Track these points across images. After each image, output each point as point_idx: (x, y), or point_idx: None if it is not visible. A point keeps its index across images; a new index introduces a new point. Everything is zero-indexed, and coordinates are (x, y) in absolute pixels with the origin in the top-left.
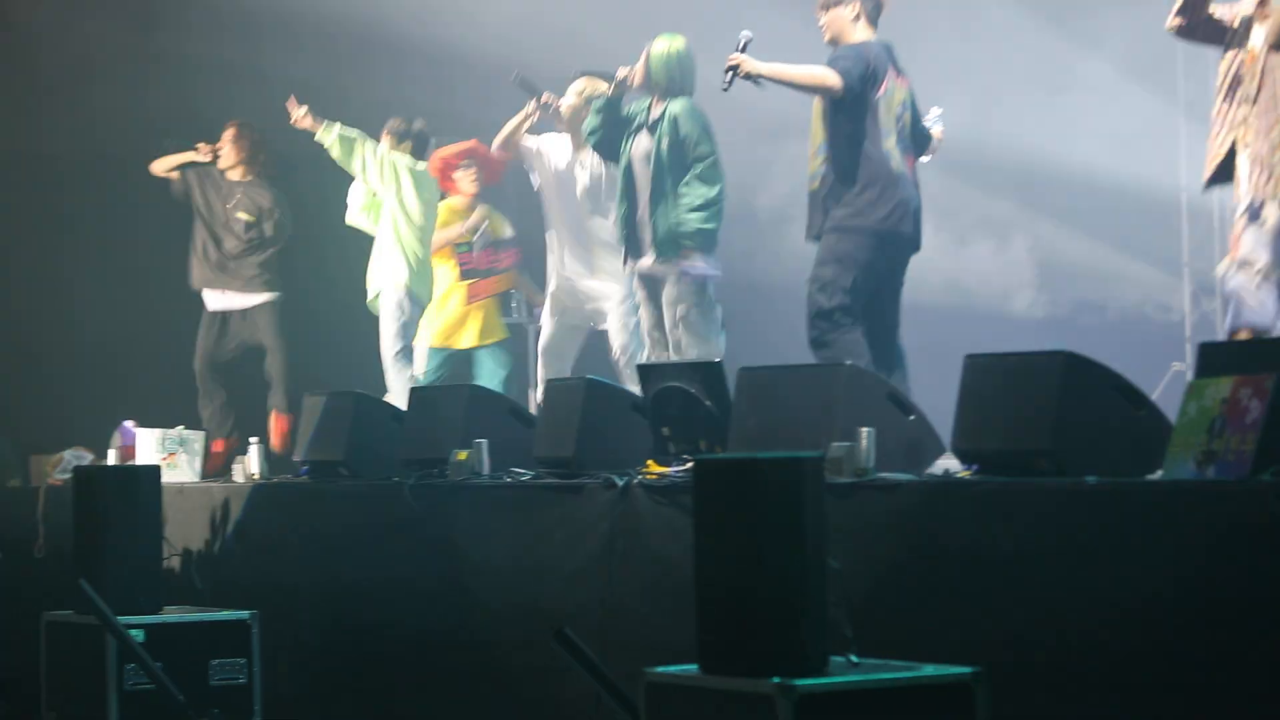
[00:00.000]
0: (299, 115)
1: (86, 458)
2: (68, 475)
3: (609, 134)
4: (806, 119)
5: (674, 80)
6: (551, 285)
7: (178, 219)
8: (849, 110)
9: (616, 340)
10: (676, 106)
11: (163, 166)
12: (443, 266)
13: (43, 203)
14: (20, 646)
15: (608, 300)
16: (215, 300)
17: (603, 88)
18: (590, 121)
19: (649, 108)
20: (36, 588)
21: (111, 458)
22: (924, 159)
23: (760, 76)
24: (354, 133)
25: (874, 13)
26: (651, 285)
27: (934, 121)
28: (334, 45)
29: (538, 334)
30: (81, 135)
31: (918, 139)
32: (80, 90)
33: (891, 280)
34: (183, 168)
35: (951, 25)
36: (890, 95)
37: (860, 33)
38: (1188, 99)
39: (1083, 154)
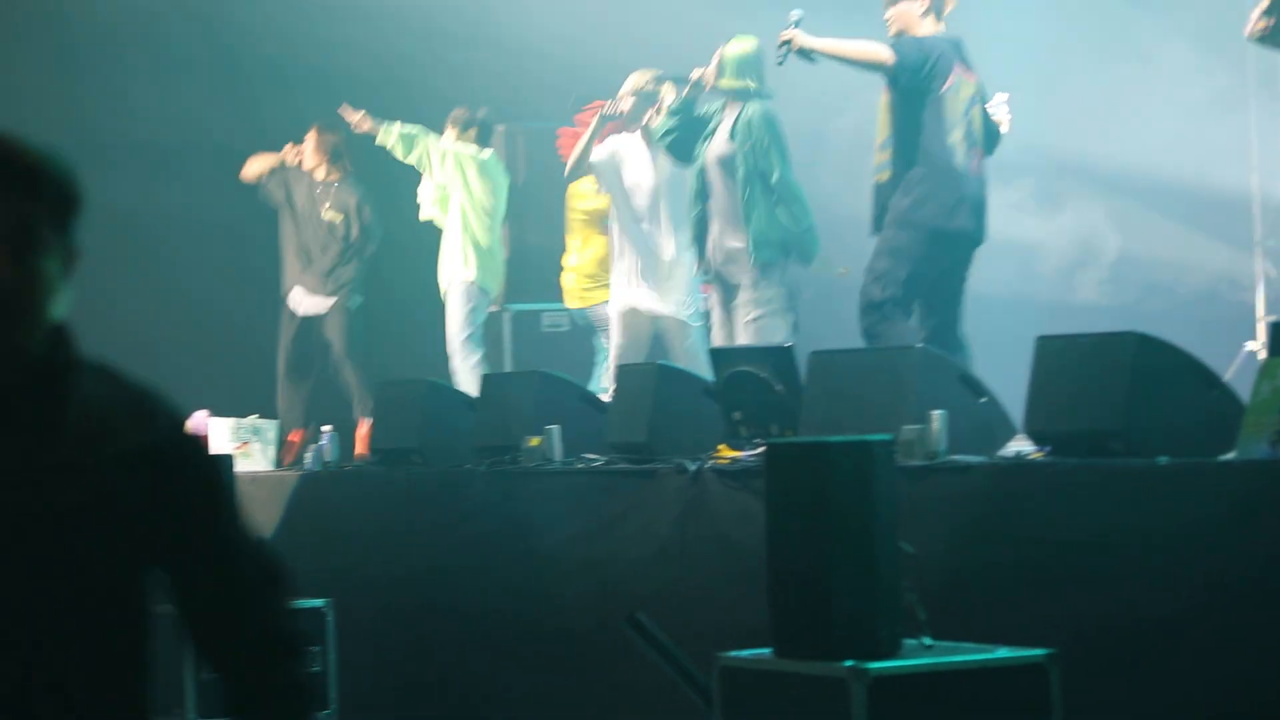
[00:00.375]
0: (356, 120)
1: None
2: None
3: (683, 135)
4: (856, 94)
5: (749, 83)
6: (617, 302)
7: (252, 210)
8: (911, 103)
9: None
10: (753, 110)
11: (253, 171)
12: (589, 245)
13: (115, 193)
14: None
15: (671, 319)
16: (297, 301)
17: (650, 77)
18: (664, 123)
19: (723, 109)
20: None
21: None
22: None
23: (813, 51)
24: (414, 129)
25: (940, 8)
26: (725, 287)
27: (999, 107)
28: (393, 40)
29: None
30: (160, 125)
31: (988, 135)
32: (132, 80)
33: (952, 276)
34: (273, 171)
35: (1016, 3)
36: (956, 90)
37: (926, 28)
38: (1259, 75)
39: (1151, 133)
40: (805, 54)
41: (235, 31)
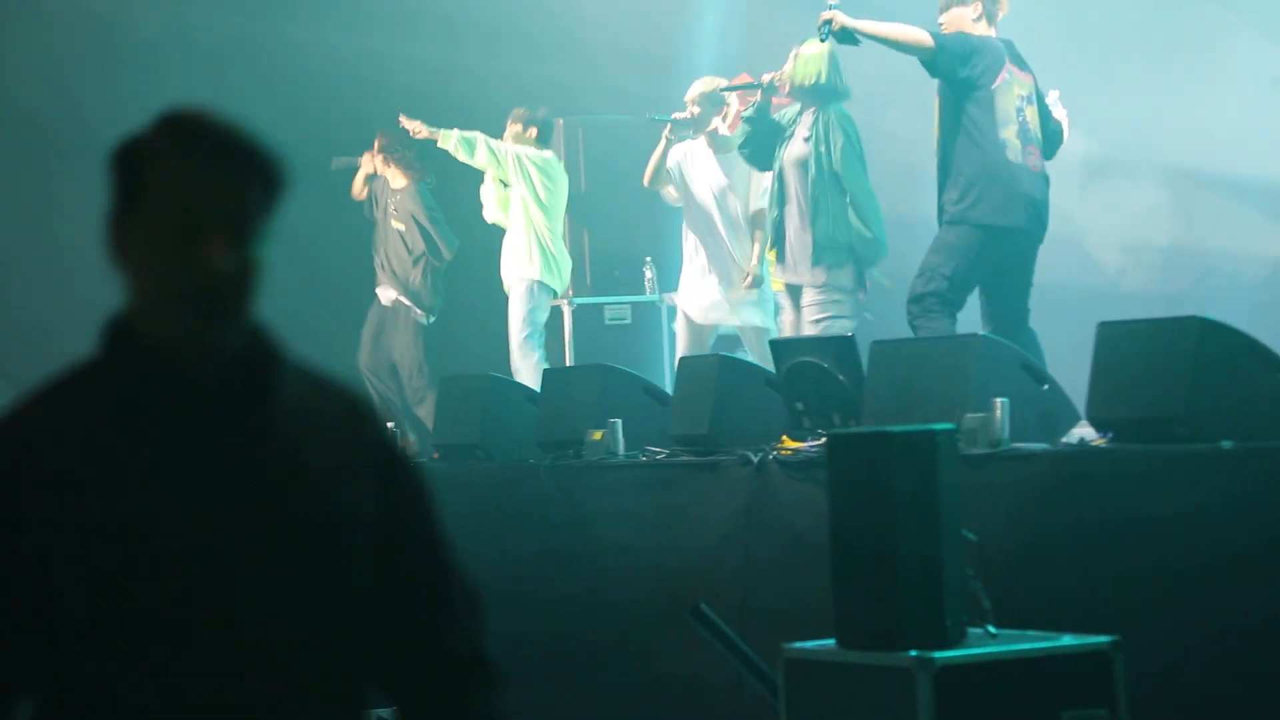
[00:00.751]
0: (414, 128)
1: None
2: None
3: (760, 143)
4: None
5: (824, 85)
6: (686, 295)
7: (306, 207)
8: (961, 100)
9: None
10: (831, 113)
11: (357, 188)
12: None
13: None
14: None
15: (748, 328)
16: (385, 295)
17: (716, 83)
18: (740, 130)
19: (800, 112)
20: None
21: None
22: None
23: (855, 31)
24: (473, 134)
25: (993, 12)
26: (795, 292)
27: (1054, 105)
28: (448, 41)
29: (668, 311)
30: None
31: (1048, 137)
32: (177, 89)
33: (1012, 275)
34: (368, 180)
35: None
36: (1008, 86)
37: (979, 32)
38: None
39: (1210, 119)
40: (847, 35)
41: (290, 41)
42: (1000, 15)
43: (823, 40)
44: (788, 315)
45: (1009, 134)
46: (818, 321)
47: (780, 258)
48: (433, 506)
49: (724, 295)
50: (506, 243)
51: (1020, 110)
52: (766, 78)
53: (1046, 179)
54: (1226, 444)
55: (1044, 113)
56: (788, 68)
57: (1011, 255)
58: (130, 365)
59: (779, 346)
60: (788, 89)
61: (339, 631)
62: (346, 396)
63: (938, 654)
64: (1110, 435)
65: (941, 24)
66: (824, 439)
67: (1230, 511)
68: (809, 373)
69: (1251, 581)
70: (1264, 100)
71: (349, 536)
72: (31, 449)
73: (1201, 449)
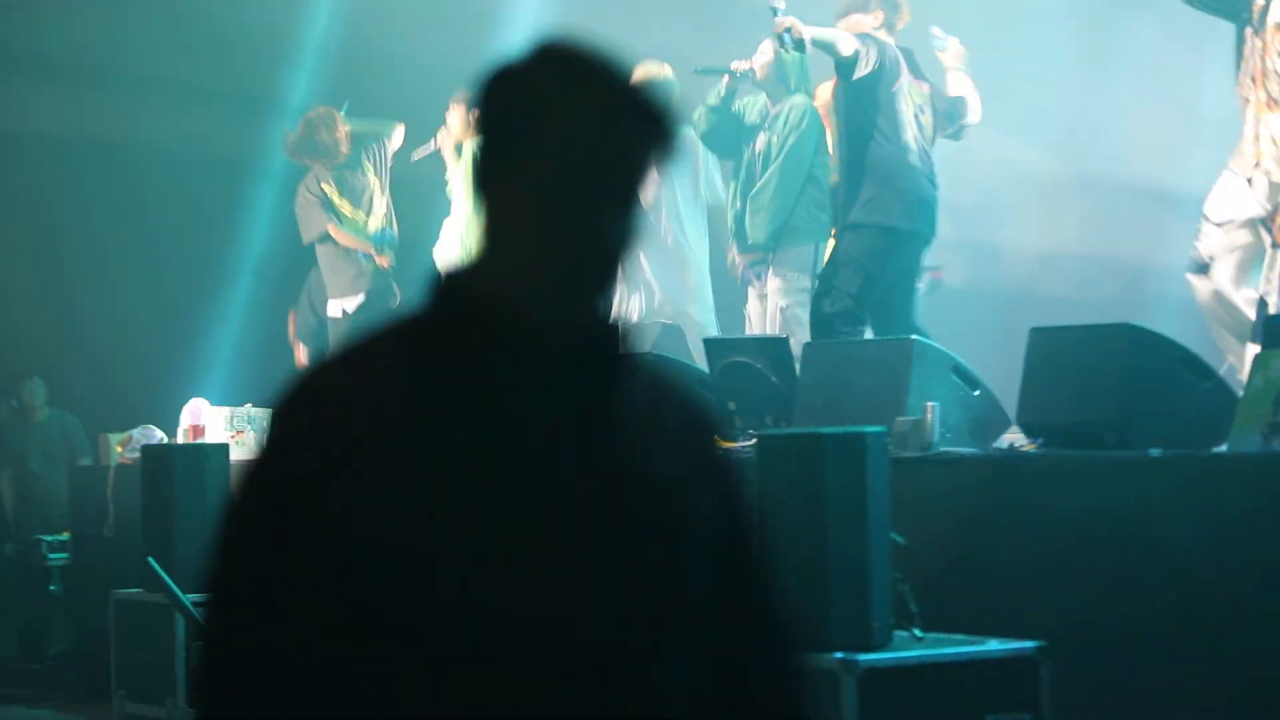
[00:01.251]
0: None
1: (155, 436)
2: (137, 454)
3: (723, 132)
4: None
5: (795, 75)
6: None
7: (247, 201)
8: (862, 102)
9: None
10: (796, 102)
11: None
12: None
13: (114, 184)
14: (90, 624)
15: (687, 303)
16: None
17: (655, 70)
18: (705, 119)
19: (765, 101)
20: (106, 566)
21: (180, 436)
22: (966, 124)
23: (810, 39)
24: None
25: (894, 22)
26: (759, 276)
27: (942, 44)
28: (399, 26)
29: None
30: (161, 123)
31: (951, 118)
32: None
33: (904, 278)
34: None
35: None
36: (906, 91)
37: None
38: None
39: (1133, 119)
40: (799, 43)
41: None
42: (900, 25)
43: (786, 51)
44: (754, 304)
45: (909, 136)
46: (781, 310)
47: (743, 246)
48: (765, 539)
49: (660, 285)
50: (447, 227)
51: (917, 116)
52: (739, 65)
53: (936, 185)
54: (1155, 451)
55: (951, 109)
56: (766, 57)
57: (909, 259)
58: (470, 333)
59: (713, 346)
60: (762, 75)
61: (663, 654)
62: (690, 402)
63: (863, 656)
64: (1040, 441)
65: (840, 28)
66: (755, 439)
67: (1158, 518)
68: (742, 373)
69: (1178, 587)
70: (1194, 115)
71: (683, 552)
72: (359, 411)
73: (1130, 456)
